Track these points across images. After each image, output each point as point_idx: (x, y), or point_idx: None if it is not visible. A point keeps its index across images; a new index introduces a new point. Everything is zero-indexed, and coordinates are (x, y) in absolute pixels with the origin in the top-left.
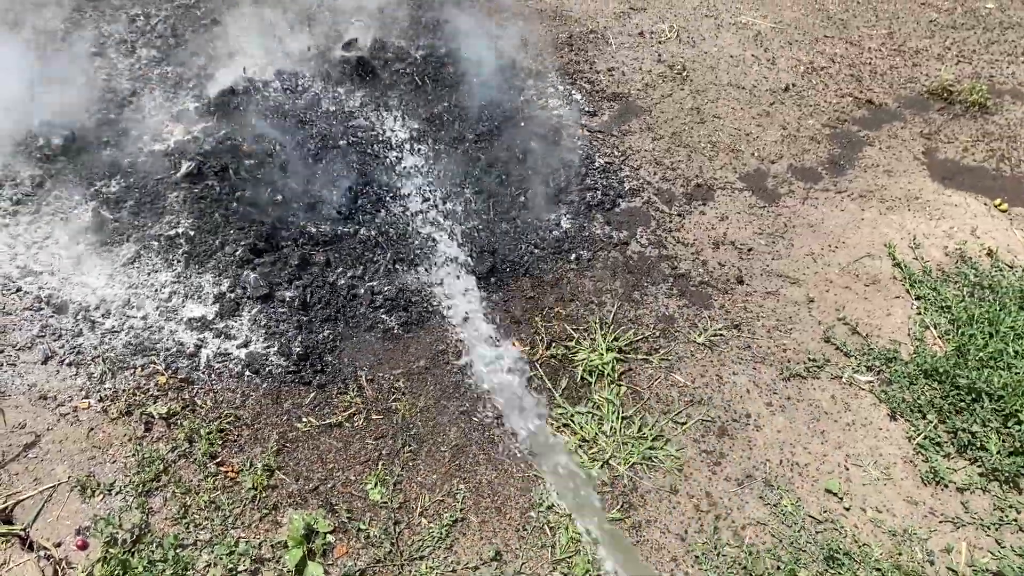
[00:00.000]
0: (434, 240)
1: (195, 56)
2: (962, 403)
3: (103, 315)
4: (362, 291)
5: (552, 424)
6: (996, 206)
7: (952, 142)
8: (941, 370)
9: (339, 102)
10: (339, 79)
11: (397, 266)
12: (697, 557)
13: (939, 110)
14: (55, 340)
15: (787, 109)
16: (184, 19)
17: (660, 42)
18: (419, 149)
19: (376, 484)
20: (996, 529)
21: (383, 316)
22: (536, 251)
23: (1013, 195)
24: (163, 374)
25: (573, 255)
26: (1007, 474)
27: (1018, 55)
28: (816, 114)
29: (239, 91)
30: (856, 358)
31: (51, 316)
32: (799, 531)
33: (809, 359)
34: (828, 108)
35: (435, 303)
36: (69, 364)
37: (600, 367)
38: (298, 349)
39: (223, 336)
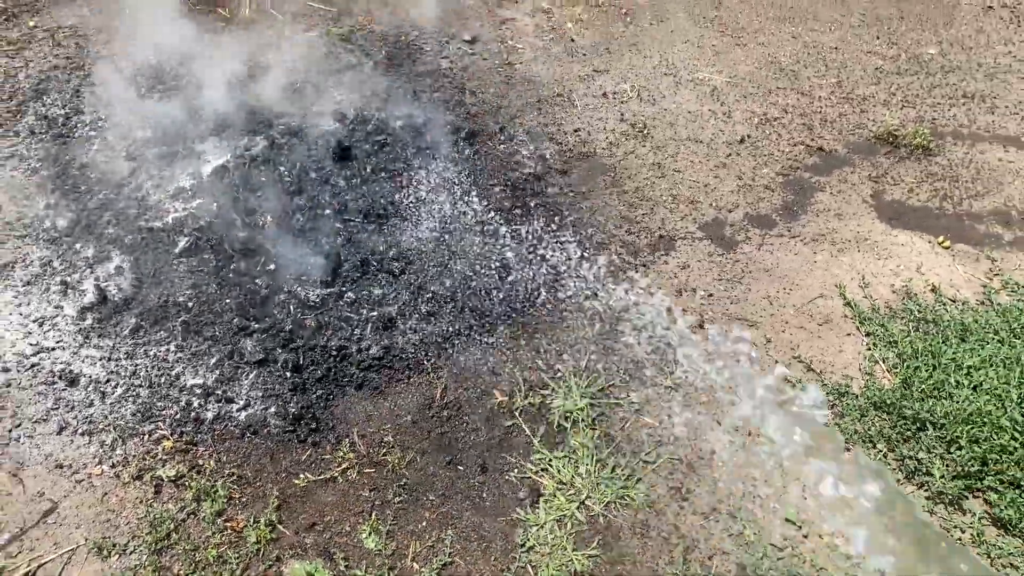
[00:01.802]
0: (415, 299)
1: (187, 134)
2: (909, 432)
3: (112, 385)
4: (351, 351)
5: (532, 468)
6: (940, 243)
7: (898, 184)
8: (889, 402)
9: (325, 175)
10: (323, 154)
11: (381, 326)
12: None
13: (886, 154)
14: (68, 411)
15: (743, 160)
16: (176, 100)
17: (623, 102)
18: (400, 211)
19: (370, 533)
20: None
21: (371, 375)
22: (512, 304)
23: (955, 233)
24: (169, 439)
25: (547, 307)
26: (951, 496)
27: (958, 98)
28: (770, 163)
29: (230, 168)
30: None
31: (64, 389)
32: (761, 558)
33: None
34: (781, 157)
35: (419, 359)
36: (82, 433)
37: (575, 413)
38: (293, 410)
39: (223, 400)
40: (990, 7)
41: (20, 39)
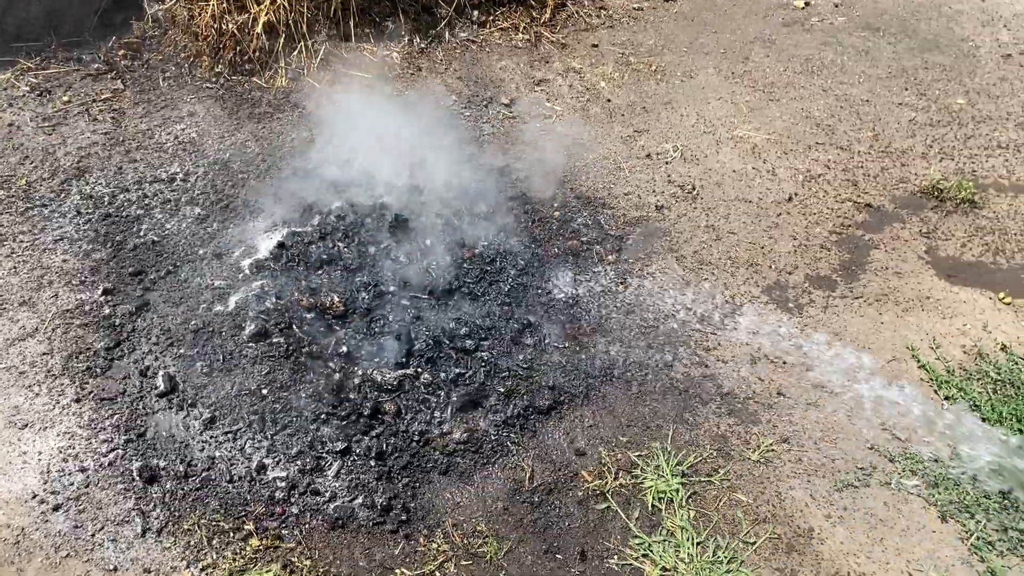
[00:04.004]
0: (491, 378)
1: (240, 211)
2: (1007, 501)
3: (192, 480)
4: (433, 435)
5: (632, 554)
6: (1001, 299)
7: (950, 239)
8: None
9: (384, 249)
10: (378, 227)
11: (463, 408)
12: None
13: (932, 208)
14: (150, 510)
15: (794, 219)
16: (223, 174)
17: (667, 162)
18: (465, 283)
19: None
20: None
21: (456, 459)
22: (589, 378)
23: (1014, 287)
24: (255, 536)
25: (623, 382)
26: None
27: (994, 148)
28: (821, 221)
29: (288, 245)
30: (900, 463)
31: (143, 487)
32: None
33: (857, 468)
34: (831, 215)
35: (503, 440)
36: (168, 534)
37: (668, 493)
38: (381, 500)
39: (309, 492)
40: (1008, 55)
41: (55, 115)
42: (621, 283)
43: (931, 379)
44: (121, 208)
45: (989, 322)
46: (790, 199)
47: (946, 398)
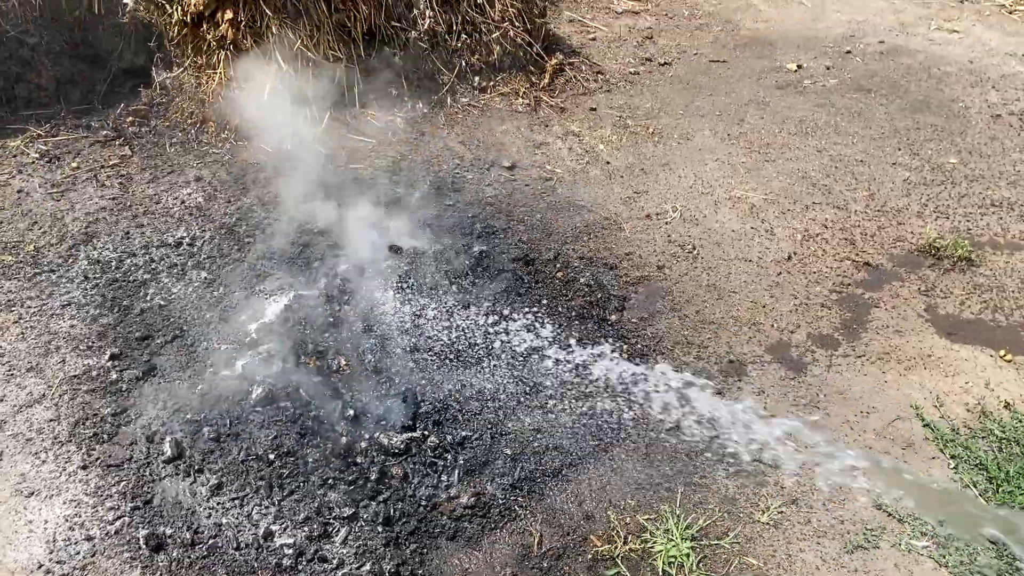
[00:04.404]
0: (497, 441)
1: (246, 275)
2: (1018, 562)
3: (198, 548)
4: (440, 499)
5: None
6: (1002, 356)
7: (948, 297)
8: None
9: (388, 311)
10: (383, 286)
11: (469, 471)
12: None
13: (930, 266)
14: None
15: (794, 278)
16: (229, 239)
17: (667, 223)
18: (471, 345)
19: None
20: None
21: (463, 524)
22: (598, 438)
23: (1014, 345)
24: None
25: (631, 443)
26: None
27: (988, 206)
28: (821, 280)
29: (294, 308)
30: (909, 523)
31: (149, 555)
32: None
33: (866, 529)
34: (831, 273)
35: (510, 504)
36: None
37: (679, 559)
38: (389, 567)
39: (316, 559)
40: (998, 115)
41: (64, 181)
42: (624, 343)
43: (936, 438)
44: (128, 273)
45: (991, 380)
46: (789, 258)
47: (952, 457)
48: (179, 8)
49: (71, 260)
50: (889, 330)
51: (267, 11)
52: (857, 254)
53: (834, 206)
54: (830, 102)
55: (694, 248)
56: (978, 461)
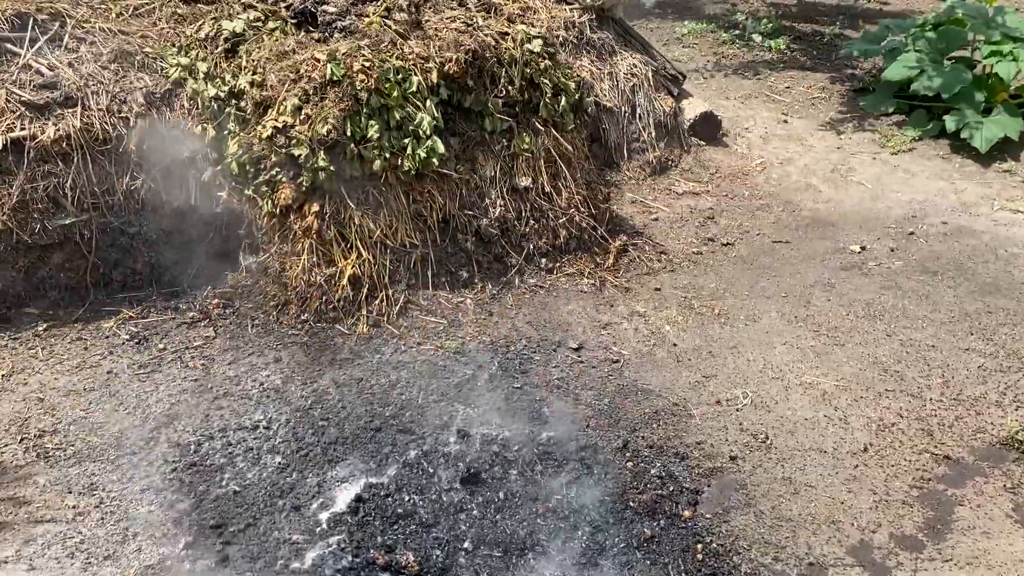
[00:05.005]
0: None
1: (319, 461)
2: None
3: None
4: None
5: None
6: None
7: None
8: None
9: (458, 503)
10: (452, 477)
11: None
12: None
13: (1014, 460)
14: None
15: (871, 471)
16: (304, 422)
17: (737, 409)
18: (539, 543)
19: None
20: None
21: None
22: None
23: None
24: None
25: None
26: None
27: None
28: (900, 475)
29: (365, 498)
30: None
31: None
32: None
33: None
34: (909, 467)
35: None
36: None
37: None
38: None
39: None
40: None
41: (151, 362)
42: (699, 544)
43: None
44: (206, 457)
45: None
46: (865, 449)
47: None
48: (270, 201)
49: (152, 443)
50: (976, 531)
51: (350, 203)
52: (936, 446)
53: (908, 394)
54: (896, 284)
55: (767, 437)
56: None
